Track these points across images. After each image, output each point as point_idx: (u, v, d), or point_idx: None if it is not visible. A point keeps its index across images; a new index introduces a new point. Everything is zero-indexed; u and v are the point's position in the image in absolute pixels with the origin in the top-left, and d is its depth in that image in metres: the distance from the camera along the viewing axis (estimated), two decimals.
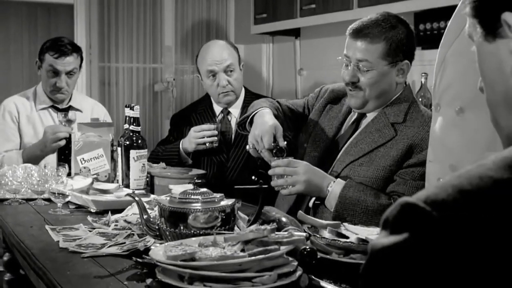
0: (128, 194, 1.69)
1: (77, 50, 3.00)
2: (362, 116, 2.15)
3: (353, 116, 2.18)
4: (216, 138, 2.83)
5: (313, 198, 2.09)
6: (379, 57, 2.00)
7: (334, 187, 1.96)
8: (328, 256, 1.40)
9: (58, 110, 3.03)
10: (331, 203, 1.97)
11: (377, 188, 1.98)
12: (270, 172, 1.98)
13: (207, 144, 2.80)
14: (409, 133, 2.01)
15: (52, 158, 2.80)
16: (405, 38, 2.03)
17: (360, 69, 2.01)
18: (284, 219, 1.54)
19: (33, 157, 2.78)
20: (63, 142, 2.68)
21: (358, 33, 2.01)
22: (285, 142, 2.03)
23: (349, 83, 2.05)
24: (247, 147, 2.10)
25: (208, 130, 2.81)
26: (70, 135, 2.67)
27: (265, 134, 2.01)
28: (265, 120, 2.08)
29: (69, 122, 2.71)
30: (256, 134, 2.04)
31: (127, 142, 2.27)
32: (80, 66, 3.04)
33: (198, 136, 2.80)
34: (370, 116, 2.12)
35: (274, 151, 2.00)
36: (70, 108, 3.05)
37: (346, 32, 2.08)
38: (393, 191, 1.97)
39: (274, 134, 2.02)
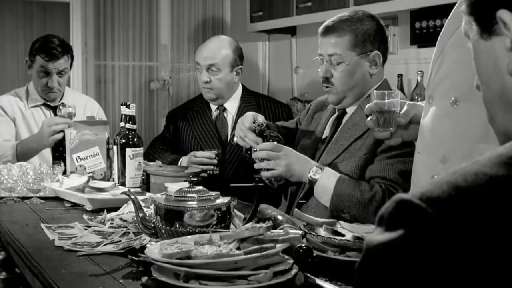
0: (123, 192, 1.69)
1: (67, 51, 2.96)
2: (343, 114, 2.19)
3: (334, 116, 2.22)
4: (216, 167, 2.65)
5: (298, 198, 2.11)
6: (348, 49, 2.09)
7: (322, 177, 1.96)
8: (324, 254, 1.40)
9: (50, 107, 3.03)
10: (319, 194, 1.98)
11: (356, 177, 2.00)
12: (253, 155, 2.02)
13: (206, 172, 2.59)
14: None
15: (47, 156, 2.78)
16: (373, 30, 2.11)
17: (332, 63, 2.10)
18: (280, 217, 1.54)
19: (28, 150, 2.72)
20: (60, 135, 2.61)
21: (327, 30, 2.13)
22: (265, 122, 2.09)
23: (324, 79, 2.14)
24: (234, 139, 2.15)
25: (209, 158, 2.64)
26: (64, 131, 2.59)
27: (245, 118, 2.12)
28: None
29: (68, 114, 2.65)
30: (239, 122, 2.15)
31: (123, 140, 2.26)
32: (71, 64, 3.02)
33: (197, 162, 2.64)
34: (349, 112, 2.15)
35: (256, 131, 2.06)
36: (62, 105, 2.99)
37: (318, 33, 2.18)
38: (371, 177, 1.98)
39: (255, 118, 2.10)
